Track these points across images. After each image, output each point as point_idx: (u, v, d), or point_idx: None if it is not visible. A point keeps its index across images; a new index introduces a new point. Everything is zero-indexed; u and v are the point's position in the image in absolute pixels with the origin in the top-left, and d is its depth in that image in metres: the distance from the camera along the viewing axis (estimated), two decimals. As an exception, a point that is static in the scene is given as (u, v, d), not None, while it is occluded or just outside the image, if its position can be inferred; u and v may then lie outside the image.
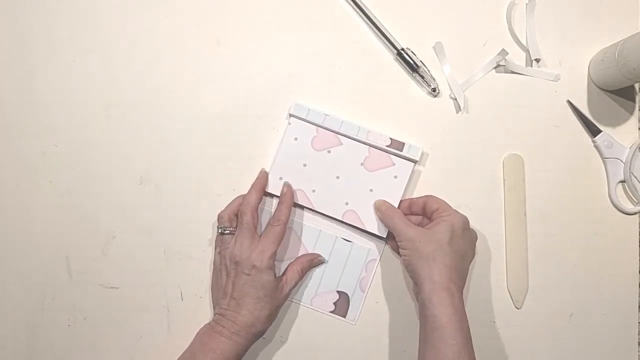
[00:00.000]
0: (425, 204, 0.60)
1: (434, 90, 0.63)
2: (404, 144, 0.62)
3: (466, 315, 0.53)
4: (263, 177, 0.61)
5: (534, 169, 0.63)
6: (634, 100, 0.64)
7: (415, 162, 0.62)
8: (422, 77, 0.63)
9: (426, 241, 0.55)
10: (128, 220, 0.63)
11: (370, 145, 0.62)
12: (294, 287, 0.60)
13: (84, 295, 0.62)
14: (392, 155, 0.62)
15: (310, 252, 0.63)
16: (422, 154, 0.62)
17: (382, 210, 0.60)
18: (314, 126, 0.62)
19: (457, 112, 0.64)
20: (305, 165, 0.62)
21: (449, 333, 0.52)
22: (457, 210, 0.58)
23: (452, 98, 0.64)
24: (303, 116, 0.62)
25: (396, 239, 0.58)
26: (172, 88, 0.63)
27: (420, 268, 0.55)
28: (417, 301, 0.56)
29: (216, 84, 0.63)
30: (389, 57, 0.64)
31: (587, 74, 0.64)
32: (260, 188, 0.60)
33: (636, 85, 0.64)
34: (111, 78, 0.63)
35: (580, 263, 0.63)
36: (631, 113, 0.64)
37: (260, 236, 0.58)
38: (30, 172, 0.63)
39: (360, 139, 0.62)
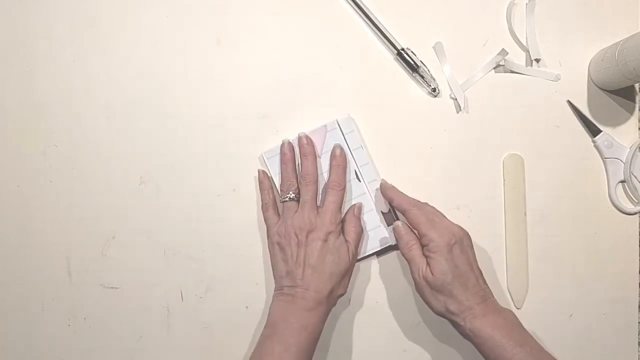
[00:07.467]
0: (411, 223, 0.58)
1: (434, 90, 0.63)
2: (395, 220, 0.60)
3: (497, 325, 0.52)
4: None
5: (534, 169, 0.63)
6: (634, 100, 0.64)
7: None
8: (422, 77, 0.63)
9: (434, 288, 0.55)
10: (128, 220, 0.63)
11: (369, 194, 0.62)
12: (358, 244, 0.59)
13: (84, 295, 0.62)
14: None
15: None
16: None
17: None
18: (344, 141, 0.62)
19: (457, 112, 0.64)
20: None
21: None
22: (437, 240, 0.54)
23: (452, 98, 0.64)
24: (344, 130, 0.62)
25: None
26: (172, 88, 0.63)
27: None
28: None
29: (216, 83, 0.63)
30: (389, 57, 0.64)
31: (587, 74, 0.64)
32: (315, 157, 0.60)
33: (636, 85, 0.64)
34: (111, 78, 0.63)
35: (580, 263, 0.63)
36: (631, 113, 0.64)
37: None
38: (30, 172, 0.63)
39: (368, 188, 0.62)
